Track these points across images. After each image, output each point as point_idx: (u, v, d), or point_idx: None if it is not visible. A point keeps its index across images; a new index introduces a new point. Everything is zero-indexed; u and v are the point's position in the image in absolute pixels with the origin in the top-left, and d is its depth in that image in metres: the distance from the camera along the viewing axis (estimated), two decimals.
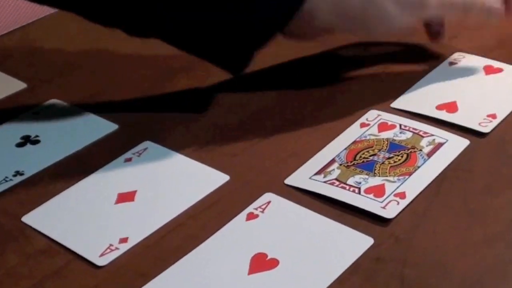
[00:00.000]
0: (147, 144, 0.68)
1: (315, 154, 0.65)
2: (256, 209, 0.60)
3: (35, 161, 0.67)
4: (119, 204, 0.61)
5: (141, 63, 0.82)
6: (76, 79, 0.80)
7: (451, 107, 0.70)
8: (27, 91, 0.79)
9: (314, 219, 0.58)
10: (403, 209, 0.58)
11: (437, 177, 0.62)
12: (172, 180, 0.64)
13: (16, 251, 0.58)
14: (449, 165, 0.63)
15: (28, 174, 0.66)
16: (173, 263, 0.55)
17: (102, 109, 0.74)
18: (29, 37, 0.91)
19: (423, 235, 0.57)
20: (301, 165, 0.64)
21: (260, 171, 0.64)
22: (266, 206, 0.60)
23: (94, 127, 0.71)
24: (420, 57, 0.79)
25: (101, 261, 0.56)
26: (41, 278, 0.56)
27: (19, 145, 0.70)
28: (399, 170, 0.62)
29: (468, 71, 0.75)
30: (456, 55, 0.78)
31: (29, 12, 0.94)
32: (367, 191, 0.60)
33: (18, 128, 0.72)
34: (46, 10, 0.94)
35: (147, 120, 0.72)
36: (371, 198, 0.59)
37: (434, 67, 0.76)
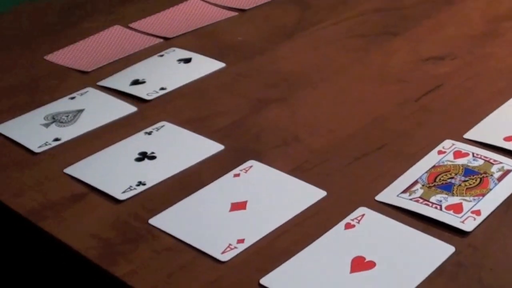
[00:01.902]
0: (252, 162, 0.78)
1: (399, 176, 0.75)
2: (352, 220, 0.70)
3: (154, 173, 0.78)
4: (233, 212, 0.72)
5: (238, 94, 0.92)
6: (178, 105, 0.91)
7: None
8: (137, 114, 0.90)
9: (403, 230, 0.68)
10: (479, 224, 0.68)
11: (507, 198, 0.71)
12: (276, 194, 0.74)
13: (147, 248, 0.68)
14: None
15: (149, 184, 0.76)
16: (284, 261, 0.65)
17: (207, 132, 0.84)
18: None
19: (496, 245, 0.66)
20: (388, 185, 0.74)
21: (353, 189, 0.74)
22: (361, 218, 0.70)
23: (202, 147, 0.82)
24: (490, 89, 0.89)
25: (223, 257, 0.66)
26: (171, 270, 0.66)
27: (138, 159, 0.80)
28: (474, 192, 0.72)
29: None
30: None
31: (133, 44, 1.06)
32: (448, 208, 0.70)
33: (134, 145, 0.83)
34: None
35: (249, 142, 0.82)
36: (451, 214, 0.69)
37: (503, 101, 0.86)
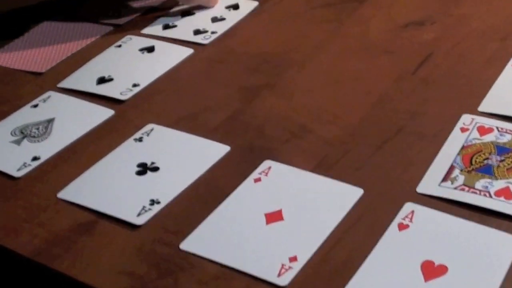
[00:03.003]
0: (269, 163, 0.71)
1: (431, 161, 0.70)
2: (403, 219, 0.64)
3: (165, 188, 0.69)
4: (271, 224, 0.65)
5: (221, 83, 0.84)
6: (160, 102, 0.82)
7: None
8: (116, 117, 0.80)
9: (461, 224, 0.64)
10: None
11: None
12: (310, 197, 0.67)
13: (190, 280, 0.61)
14: None
15: (164, 202, 0.68)
16: (347, 276, 0.60)
17: (203, 131, 0.76)
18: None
19: None
20: (423, 173, 0.69)
21: (389, 182, 0.69)
22: (412, 215, 0.65)
23: (207, 150, 0.74)
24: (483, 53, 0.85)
25: (281, 281, 0.59)
26: None
27: (140, 173, 0.71)
28: None
29: None
30: None
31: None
32: (497, 193, 0.66)
33: (127, 156, 0.74)
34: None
35: (254, 139, 0.75)
36: (503, 201, 0.65)
37: (502, 66, 0.83)
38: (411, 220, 0.64)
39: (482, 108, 0.77)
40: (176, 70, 0.87)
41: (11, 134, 0.77)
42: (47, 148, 0.75)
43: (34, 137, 0.77)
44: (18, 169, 0.73)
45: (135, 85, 0.83)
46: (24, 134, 0.77)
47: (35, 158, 0.74)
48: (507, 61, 0.84)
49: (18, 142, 0.76)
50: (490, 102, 0.78)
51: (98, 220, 0.67)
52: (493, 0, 0.95)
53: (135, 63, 0.88)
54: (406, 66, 0.84)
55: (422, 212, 0.65)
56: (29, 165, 0.73)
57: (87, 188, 0.70)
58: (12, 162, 0.74)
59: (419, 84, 0.82)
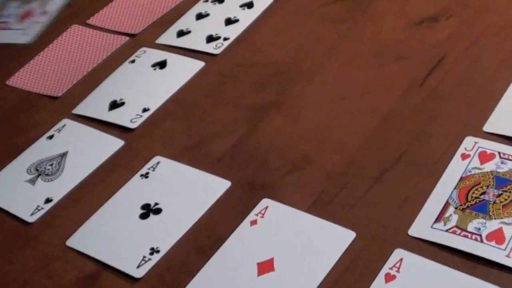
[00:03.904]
0: (267, 202, 0.72)
1: (428, 195, 0.70)
2: (391, 268, 0.65)
3: (165, 234, 0.71)
4: (262, 276, 0.66)
5: (229, 102, 0.85)
6: (167, 129, 0.83)
7: None
8: (125, 148, 0.82)
9: (449, 274, 0.64)
10: None
11: None
12: (301, 241, 0.68)
13: None
14: None
15: (163, 250, 0.70)
16: None
17: (207, 163, 0.78)
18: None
19: None
20: (418, 210, 0.69)
21: (383, 223, 0.69)
22: (400, 264, 0.65)
23: (208, 187, 0.75)
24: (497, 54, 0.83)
25: None
26: None
27: (143, 216, 0.74)
28: None
29: None
30: None
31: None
32: (489, 237, 0.65)
33: (133, 195, 0.76)
34: None
35: (256, 171, 0.76)
36: (494, 246, 0.65)
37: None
38: (398, 270, 0.65)
39: (487, 128, 0.75)
40: (186, 88, 0.87)
41: (26, 172, 0.81)
42: (59, 188, 0.78)
43: (48, 175, 0.80)
44: (32, 214, 0.76)
45: (145, 110, 0.85)
46: (39, 171, 0.80)
47: (47, 201, 0.77)
48: None
49: (33, 182, 0.79)
50: (495, 121, 0.76)
51: (103, 271, 0.70)
52: None
53: (147, 81, 0.89)
54: (416, 75, 0.83)
55: (411, 260, 0.65)
56: (42, 208, 0.77)
57: (93, 235, 0.73)
58: (26, 205, 0.77)
59: (426, 98, 0.80)
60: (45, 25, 0.99)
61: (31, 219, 0.76)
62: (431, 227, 0.67)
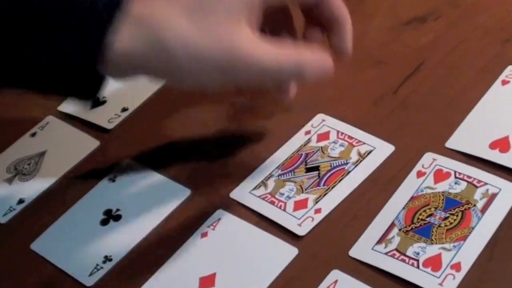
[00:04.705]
0: (220, 214, 0.73)
1: (376, 214, 0.69)
2: None
3: (120, 242, 0.73)
4: None
5: (212, 99, 0.85)
6: (142, 134, 0.84)
7: (504, 144, 0.72)
8: (99, 150, 0.83)
9: None
10: (460, 283, 0.63)
11: (490, 239, 0.65)
12: (246, 256, 0.69)
13: None
14: (501, 224, 0.66)
15: (116, 259, 0.72)
16: None
17: (170, 168, 0.79)
18: None
19: None
20: (364, 228, 0.69)
21: (327, 242, 0.69)
22: (334, 286, 0.65)
23: (168, 193, 0.76)
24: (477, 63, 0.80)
25: None
26: None
27: (103, 222, 0.75)
28: (455, 234, 0.66)
29: None
30: (509, 70, 0.78)
31: None
32: (426, 263, 0.65)
33: (99, 200, 0.77)
34: None
35: (219, 180, 0.77)
36: (429, 273, 0.64)
37: (487, 85, 0.77)
38: None
39: (449, 144, 0.74)
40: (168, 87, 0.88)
41: (6, 170, 0.83)
42: (32, 189, 0.80)
43: (24, 174, 0.82)
44: (4, 214, 0.79)
45: (124, 110, 0.86)
46: (17, 170, 0.83)
47: (20, 201, 0.80)
48: (499, 74, 0.78)
49: (10, 181, 0.82)
50: (459, 137, 0.74)
51: (59, 277, 0.72)
52: None
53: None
54: (392, 81, 0.81)
55: (346, 283, 0.65)
56: (14, 209, 0.79)
57: (55, 240, 0.76)
58: (1, 205, 0.80)
59: (396, 108, 0.79)
60: None
61: (3, 220, 0.79)
62: (372, 248, 0.67)
